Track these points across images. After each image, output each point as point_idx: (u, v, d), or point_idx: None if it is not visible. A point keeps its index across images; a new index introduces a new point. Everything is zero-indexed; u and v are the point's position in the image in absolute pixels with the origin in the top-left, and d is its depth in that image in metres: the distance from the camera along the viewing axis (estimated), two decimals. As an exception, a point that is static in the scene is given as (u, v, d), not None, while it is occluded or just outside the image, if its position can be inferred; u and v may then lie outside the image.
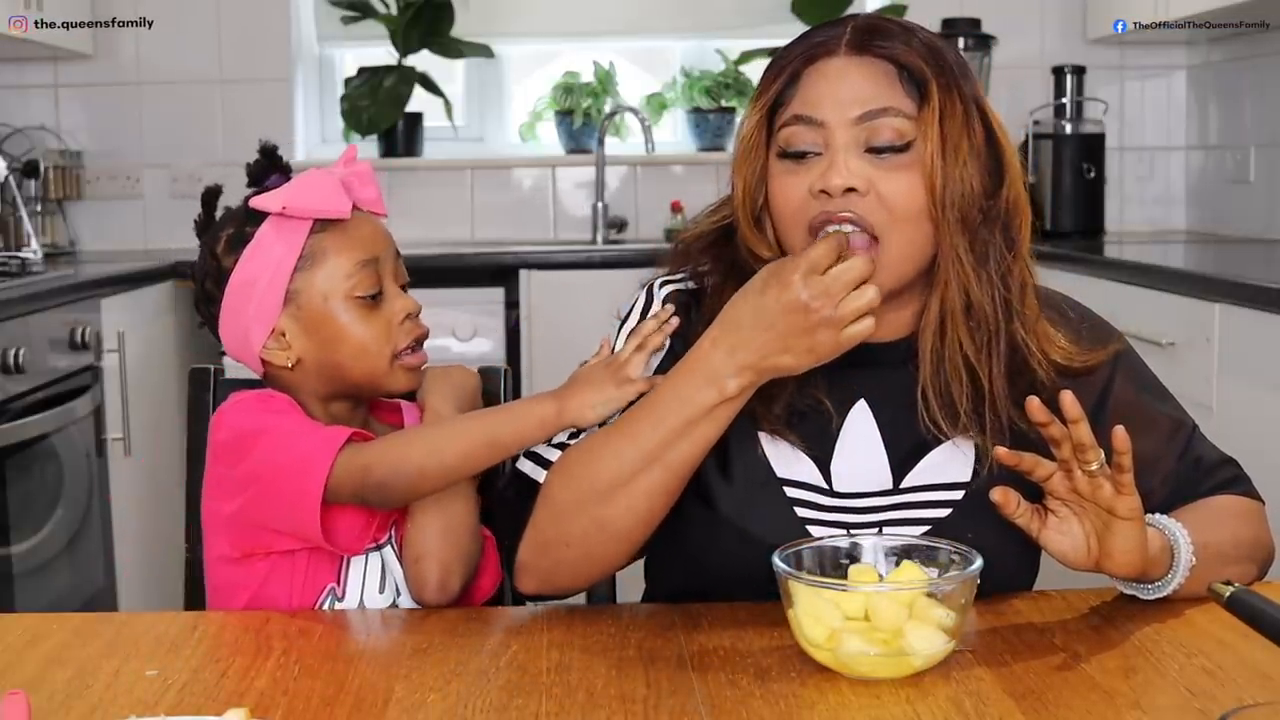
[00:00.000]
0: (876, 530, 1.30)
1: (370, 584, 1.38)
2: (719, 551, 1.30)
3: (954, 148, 1.25)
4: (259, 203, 1.37)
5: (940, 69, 1.27)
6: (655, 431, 1.24)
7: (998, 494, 1.17)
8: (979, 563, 1.13)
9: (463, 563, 1.37)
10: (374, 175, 1.42)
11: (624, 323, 1.42)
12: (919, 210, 1.26)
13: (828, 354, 1.20)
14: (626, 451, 1.25)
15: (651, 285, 1.42)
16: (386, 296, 1.39)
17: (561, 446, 1.33)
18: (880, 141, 1.25)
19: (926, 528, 1.31)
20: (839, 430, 1.33)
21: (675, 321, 1.35)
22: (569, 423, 1.31)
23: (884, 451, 1.33)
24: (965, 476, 1.32)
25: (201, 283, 1.42)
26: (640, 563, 1.49)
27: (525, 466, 1.34)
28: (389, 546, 1.41)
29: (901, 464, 1.33)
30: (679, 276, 1.41)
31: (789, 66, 1.31)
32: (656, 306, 1.39)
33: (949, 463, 1.32)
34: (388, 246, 1.41)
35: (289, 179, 1.42)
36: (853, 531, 1.21)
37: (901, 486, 1.32)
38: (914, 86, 1.27)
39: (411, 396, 1.45)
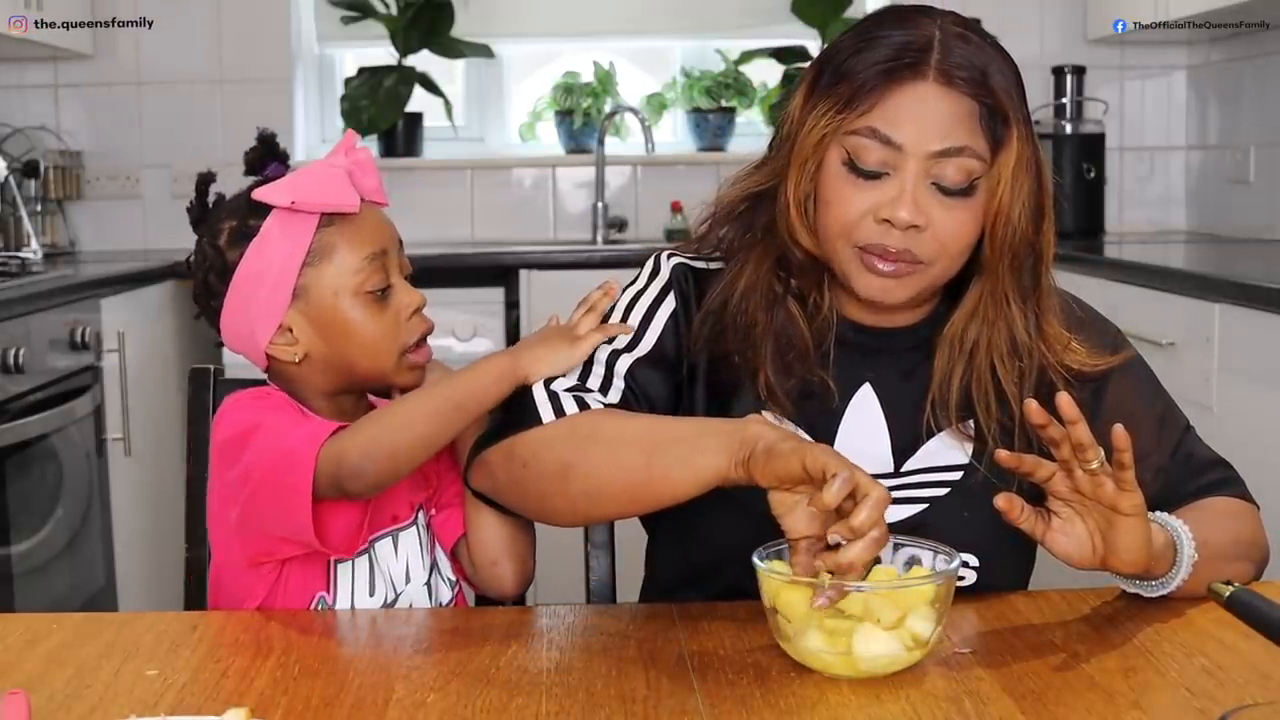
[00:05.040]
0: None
1: (360, 587, 1.37)
2: (720, 527, 1.30)
3: (1018, 192, 1.28)
4: (263, 195, 1.33)
5: (1021, 108, 1.28)
6: (663, 433, 1.23)
7: (1001, 501, 1.17)
8: (956, 563, 1.14)
9: (531, 549, 1.42)
10: (374, 163, 1.39)
11: (628, 289, 1.42)
12: (968, 245, 1.29)
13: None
14: (630, 426, 1.26)
15: (659, 254, 1.42)
16: (394, 290, 1.37)
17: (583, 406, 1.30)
18: (948, 181, 1.26)
19: (924, 505, 1.33)
20: (843, 411, 1.35)
21: (616, 289, 1.37)
22: (522, 375, 1.31)
23: (886, 435, 1.35)
24: (964, 459, 1.35)
25: (204, 276, 1.38)
26: (640, 557, 1.49)
27: (539, 394, 1.30)
28: (380, 545, 1.39)
29: (903, 448, 1.35)
30: (686, 254, 1.41)
31: (871, 70, 1.27)
32: (665, 274, 1.39)
33: (949, 447, 1.35)
34: (393, 238, 1.39)
35: (288, 167, 1.40)
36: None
37: (902, 470, 1.34)
38: (991, 126, 1.27)
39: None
